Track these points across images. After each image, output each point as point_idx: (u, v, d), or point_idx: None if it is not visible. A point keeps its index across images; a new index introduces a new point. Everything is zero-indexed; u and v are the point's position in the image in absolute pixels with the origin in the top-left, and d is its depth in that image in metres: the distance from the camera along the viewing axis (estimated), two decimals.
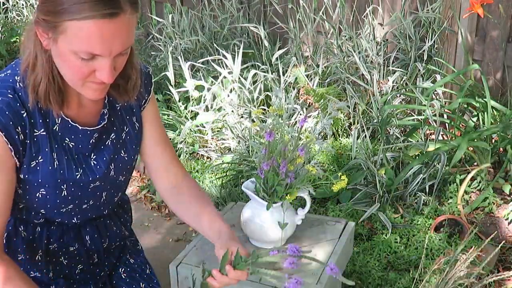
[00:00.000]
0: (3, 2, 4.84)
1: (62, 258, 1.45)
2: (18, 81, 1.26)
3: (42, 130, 1.28)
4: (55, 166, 1.31)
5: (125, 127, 1.43)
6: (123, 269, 1.57)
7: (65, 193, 1.34)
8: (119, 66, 1.23)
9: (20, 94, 1.24)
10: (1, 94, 1.23)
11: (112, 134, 1.41)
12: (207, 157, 3.10)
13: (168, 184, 1.52)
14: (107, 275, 1.55)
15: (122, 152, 1.43)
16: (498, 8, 2.95)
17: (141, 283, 1.56)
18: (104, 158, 1.38)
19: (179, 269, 1.55)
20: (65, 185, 1.33)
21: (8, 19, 4.77)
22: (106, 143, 1.39)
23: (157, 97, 3.65)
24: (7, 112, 1.22)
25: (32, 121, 1.26)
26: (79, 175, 1.35)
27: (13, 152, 1.24)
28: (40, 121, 1.27)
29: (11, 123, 1.22)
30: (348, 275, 2.14)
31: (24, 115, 1.25)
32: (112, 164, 1.41)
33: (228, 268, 1.28)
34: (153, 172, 1.53)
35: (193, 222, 1.48)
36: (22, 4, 4.80)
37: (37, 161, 1.29)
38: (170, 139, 3.17)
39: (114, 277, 1.56)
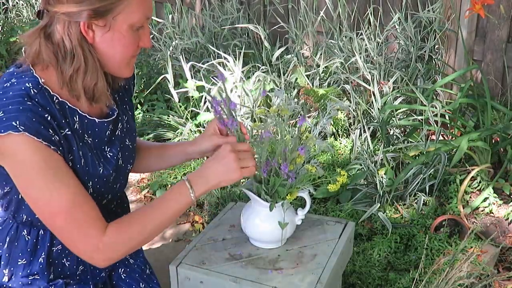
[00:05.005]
0: (3, 2, 4.85)
1: (65, 259, 1.45)
2: (30, 87, 1.24)
3: (67, 129, 1.29)
4: (82, 163, 1.32)
5: (124, 117, 1.48)
6: (122, 269, 1.57)
7: (91, 190, 1.35)
8: None
9: (37, 100, 1.24)
10: (19, 103, 1.21)
11: (120, 124, 1.45)
12: (207, 157, 3.09)
13: None
14: (107, 275, 1.55)
15: (127, 140, 1.48)
16: (498, 8, 2.95)
17: (140, 283, 1.56)
18: (118, 148, 1.43)
19: (179, 269, 1.55)
20: (91, 182, 1.35)
21: (8, 19, 4.77)
22: (117, 133, 1.44)
23: (157, 97, 3.65)
24: (33, 119, 1.21)
25: (56, 122, 1.26)
26: (101, 169, 1.37)
27: (58, 152, 1.25)
28: (63, 121, 1.28)
29: (42, 127, 1.21)
30: (348, 275, 2.14)
31: (49, 118, 1.24)
32: (121, 153, 1.45)
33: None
34: None
35: (159, 163, 1.63)
36: (22, 4, 4.80)
37: (69, 162, 1.29)
38: (170, 139, 3.18)
39: (114, 277, 1.56)
